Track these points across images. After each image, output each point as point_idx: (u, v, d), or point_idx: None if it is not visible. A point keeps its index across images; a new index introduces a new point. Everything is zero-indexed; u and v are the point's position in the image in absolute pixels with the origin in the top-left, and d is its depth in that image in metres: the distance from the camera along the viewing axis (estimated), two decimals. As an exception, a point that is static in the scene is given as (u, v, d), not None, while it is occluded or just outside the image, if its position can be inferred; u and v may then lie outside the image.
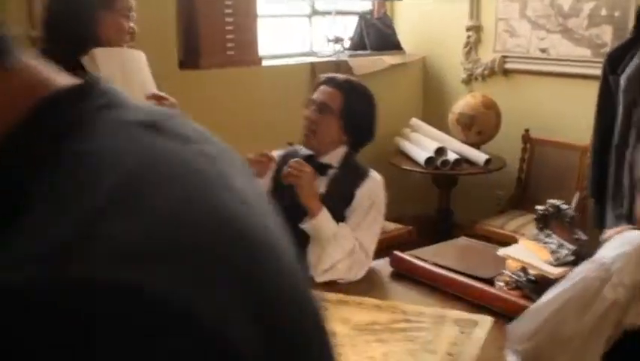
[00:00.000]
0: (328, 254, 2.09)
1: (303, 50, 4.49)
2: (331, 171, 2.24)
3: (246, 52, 3.86)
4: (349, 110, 2.23)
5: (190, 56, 3.73)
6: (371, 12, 4.75)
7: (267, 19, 4.37)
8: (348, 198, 2.20)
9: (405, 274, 2.17)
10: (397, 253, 2.22)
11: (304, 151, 2.26)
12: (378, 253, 2.28)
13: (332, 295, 2.00)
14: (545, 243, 1.94)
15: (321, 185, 2.22)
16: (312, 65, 4.16)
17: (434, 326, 1.81)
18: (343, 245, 2.11)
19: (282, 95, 3.91)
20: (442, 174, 3.99)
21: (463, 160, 3.95)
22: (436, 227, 4.12)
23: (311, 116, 2.23)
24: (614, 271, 1.37)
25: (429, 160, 3.91)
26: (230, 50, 3.79)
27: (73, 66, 1.86)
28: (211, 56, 3.72)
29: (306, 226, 2.09)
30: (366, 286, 2.12)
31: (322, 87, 2.27)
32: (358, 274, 2.15)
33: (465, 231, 3.61)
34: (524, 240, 2.07)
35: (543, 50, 3.94)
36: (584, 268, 1.46)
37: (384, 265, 2.25)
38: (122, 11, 1.91)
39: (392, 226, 3.74)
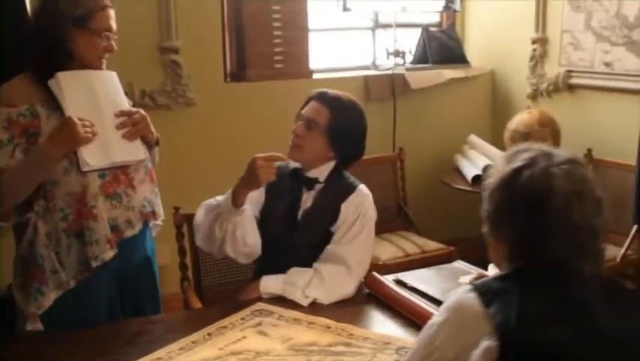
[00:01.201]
0: (296, 298, 2.05)
1: (365, 64, 4.44)
2: (318, 186, 2.20)
3: (295, 65, 3.88)
4: (336, 127, 2.17)
5: (238, 69, 3.80)
6: (438, 24, 4.63)
7: (330, 32, 4.37)
8: (334, 213, 2.15)
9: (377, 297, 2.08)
10: (374, 274, 2.14)
11: (293, 165, 2.24)
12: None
13: (289, 313, 1.95)
14: (511, 272, 1.79)
15: (308, 199, 2.19)
16: (366, 78, 4.11)
17: (372, 352, 1.72)
18: (296, 284, 2.06)
19: (331, 108, 3.87)
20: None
21: (514, 180, 3.73)
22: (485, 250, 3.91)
23: (297, 131, 2.20)
24: (437, 346, 1.21)
25: (477, 178, 3.74)
26: (278, 63, 3.82)
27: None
28: (258, 68, 3.77)
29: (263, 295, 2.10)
30: (334, 306, 2.04)
31: (312, 103, 2.24)
32: (343, 292, 2.08)
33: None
34: (494, 267, 1.92)
35: (607, 64, 3.65)
36: (420, 339, 1.29)
37: (363, 285, 2.17)
38: (97, 32, 1.95)
39: (433, 245, 3.61)
